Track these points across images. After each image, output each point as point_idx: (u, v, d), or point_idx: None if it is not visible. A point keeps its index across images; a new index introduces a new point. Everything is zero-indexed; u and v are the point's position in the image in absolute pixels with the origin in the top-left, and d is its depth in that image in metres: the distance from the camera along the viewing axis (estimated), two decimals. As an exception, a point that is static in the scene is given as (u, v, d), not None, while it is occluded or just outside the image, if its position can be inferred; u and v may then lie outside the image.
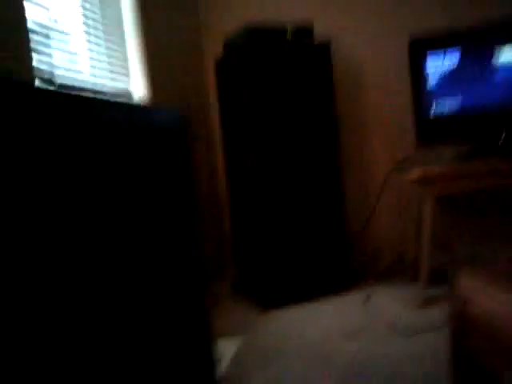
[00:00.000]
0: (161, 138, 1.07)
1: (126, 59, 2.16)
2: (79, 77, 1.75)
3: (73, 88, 1.67)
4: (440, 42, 2.35)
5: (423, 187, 2.23)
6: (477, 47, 2.32)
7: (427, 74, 2.36)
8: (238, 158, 2.54)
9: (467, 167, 2.19)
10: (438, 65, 2.35)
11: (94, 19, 1.89)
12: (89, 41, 1.84)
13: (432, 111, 2.36)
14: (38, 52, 1.48)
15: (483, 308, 0.93)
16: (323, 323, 2.14)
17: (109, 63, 2.00)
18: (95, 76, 1.87)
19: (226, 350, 1.90)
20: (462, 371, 1.02)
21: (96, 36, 1.90)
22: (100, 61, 1.92)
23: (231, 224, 2.73)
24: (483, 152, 2.27)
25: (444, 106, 2.36)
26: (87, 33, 1.84)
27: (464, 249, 2.69)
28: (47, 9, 1.57)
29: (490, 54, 2.30)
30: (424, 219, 2.24)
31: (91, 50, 1.86)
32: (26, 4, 1.41)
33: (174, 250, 1.10)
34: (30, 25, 1.44)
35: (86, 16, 1.83)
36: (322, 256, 2.47)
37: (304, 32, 2.45)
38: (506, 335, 0.85)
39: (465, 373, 1.00)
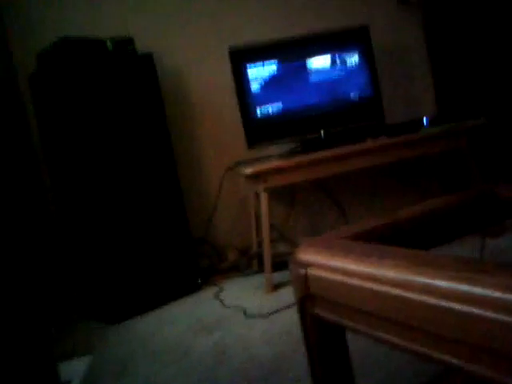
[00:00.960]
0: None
1: None
2: None
3: None
4: (258, 53, 2.55)
5: (256, 183, 2.37)
6: (291, 56, 2.57)
7: (249, 82, 2.53)
8: (64, 175, 2.42)
9: (293, 161, 2.37)
10: (259, 73, 2.53)
11: None
12: None
13: (257, 115, 2.53)
14: None
15: (321, 274, 1.01)
16: (178, 323, 2.14)
17: None
18: None
19: (77, 369, 1.80)
20: (312, 334, 1.11)
21: None
22: None
23: (67, 245, 2.59)
24: (307, 147, 2.49)
25: (268, 109, 2.54)
26: None
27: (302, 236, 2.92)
28: None
29: (302, 62, 2.57)
30: (261, 212, 2.37)
31: None
32: None
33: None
34: None
35: None
36: (168, 261, 2.47)
37: (124, 43, 2.42)
38: (341, 298, 0.95)
39: (312, 332, 1.09)
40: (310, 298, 1.07)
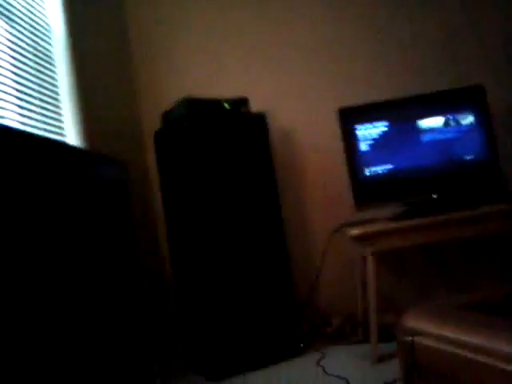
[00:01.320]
0: (99, 186, 1.06)
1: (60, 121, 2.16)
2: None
3: None
4: (368, 113, 2.53)
5: (364, 245, 2.30)
6: (402, 117, 2.52)
7: (358, 142, 2.51)
8: (180, 231, 2.53)
9: (403, 225, 2.29)
10: (368, 133, 2.52)
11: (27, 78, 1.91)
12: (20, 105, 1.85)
13: (366, 176, 2.50)
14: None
15: (430, 343, 0.95)
16: (278, 389, 2.08)
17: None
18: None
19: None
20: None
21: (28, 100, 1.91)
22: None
23: (174, 292, 2.67)
24: (417, 211, 2.39)
25: (377, 170, 2.50)
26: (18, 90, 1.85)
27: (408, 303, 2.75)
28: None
29: (413, 122, 2.51)
30: (368, 277, 2.29)
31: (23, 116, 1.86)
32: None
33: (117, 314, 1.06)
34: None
35: (18, 75, 1.85)
36: (272, 322, 2.45)
37: (240, 103, 2.57)
38: (450, 371, 0.88)
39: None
40: (416, 369, 1.00)
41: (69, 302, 0.81)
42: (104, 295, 0.97)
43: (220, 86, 2.95)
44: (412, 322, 1.03)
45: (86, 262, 0.91)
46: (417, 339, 0.98)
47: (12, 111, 1.74)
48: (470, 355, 0.81)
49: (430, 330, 0.97)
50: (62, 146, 0.89)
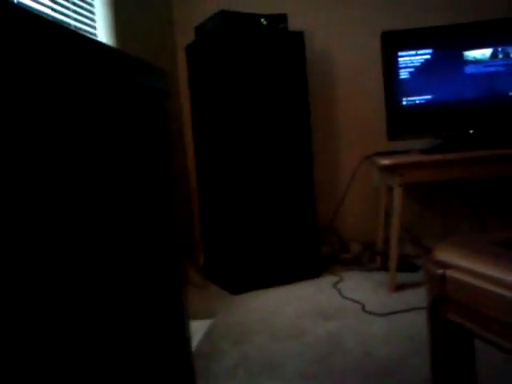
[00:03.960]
0: (138, 96, 1.03)
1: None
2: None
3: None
4: (411, 38, 2.41)
5: (392, 176, 2.28)
6: (447, 45, 2.39)
7: (399, 69, 2.41)
8: (207, 144, 2.52)
9: (435, 158, 2.24)
10: (410, 60, 2.40)
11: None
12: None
13: (403, 105, 2.41)
14: None
15: (463, 277, 0.95)
16: (294, 305, 2.15)
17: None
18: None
19: (196, 330, 1.89)
20: (440, 338, 1.04)
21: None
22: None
23: (200, 208, 2.71)
24: (453, 145, 2.33)
25: (415, 100, 2.41)
26: None
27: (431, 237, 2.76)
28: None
29: (459, 52, 2.38)
30: (393, 208, 2.28)
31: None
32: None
33: (149, 226, 1.07)
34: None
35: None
36: (293, 243, 2.49)
37: (278, 19, 2.46)
38: (484, 307, 0.88)
39: (441, 336, 1.03)
40: (444, 300, 1.01)
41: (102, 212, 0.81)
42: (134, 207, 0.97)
43: (258, 1, 2.80)
44: (445, 254, 1.02)
45: (127, 165, 0.91)
46: (449, 272, 0.98)
47: None
48: (507, 293, 0.81)
49: (464, 264, 0.96)
50: (99, 44, 0.85)
